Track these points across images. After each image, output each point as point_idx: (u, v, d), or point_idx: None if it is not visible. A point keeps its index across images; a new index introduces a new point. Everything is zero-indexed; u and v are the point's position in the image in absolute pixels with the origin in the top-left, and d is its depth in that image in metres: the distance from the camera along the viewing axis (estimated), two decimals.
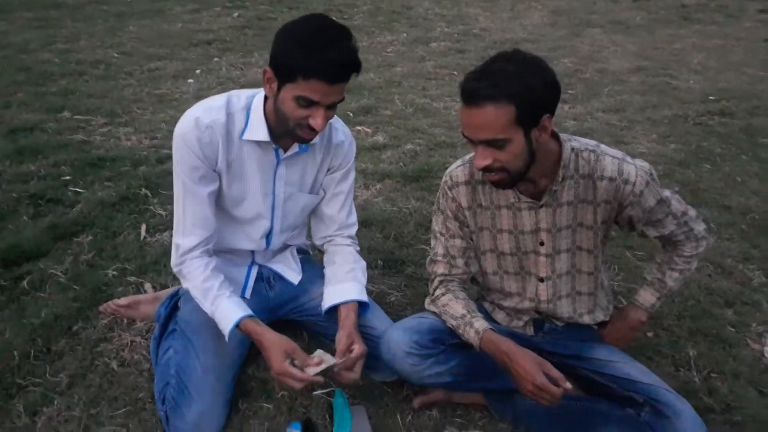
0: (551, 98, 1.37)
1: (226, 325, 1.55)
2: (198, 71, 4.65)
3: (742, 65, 5.42)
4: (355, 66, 1.42)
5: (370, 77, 4.70)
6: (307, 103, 1.42)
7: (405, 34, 5.94)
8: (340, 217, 1.82)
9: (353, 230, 1.86)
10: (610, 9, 7.41)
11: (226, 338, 1.57)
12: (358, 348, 1.59)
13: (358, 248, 1.85)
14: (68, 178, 2.94)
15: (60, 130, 3.51)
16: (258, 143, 1.60)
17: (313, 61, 1.36)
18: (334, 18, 1.46)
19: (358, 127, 3.80)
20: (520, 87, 1.30)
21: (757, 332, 2.09)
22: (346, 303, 1.70)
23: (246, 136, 1.59)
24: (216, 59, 4.93)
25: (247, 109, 1.59)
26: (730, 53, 5.80)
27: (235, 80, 4.51)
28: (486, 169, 1.41)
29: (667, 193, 1.55)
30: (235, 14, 6.17)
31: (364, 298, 1.74)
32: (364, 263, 1.83)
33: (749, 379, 1.87)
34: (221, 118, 1.56)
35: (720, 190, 3.10)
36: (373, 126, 3.84)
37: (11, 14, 5.79)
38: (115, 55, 4.90)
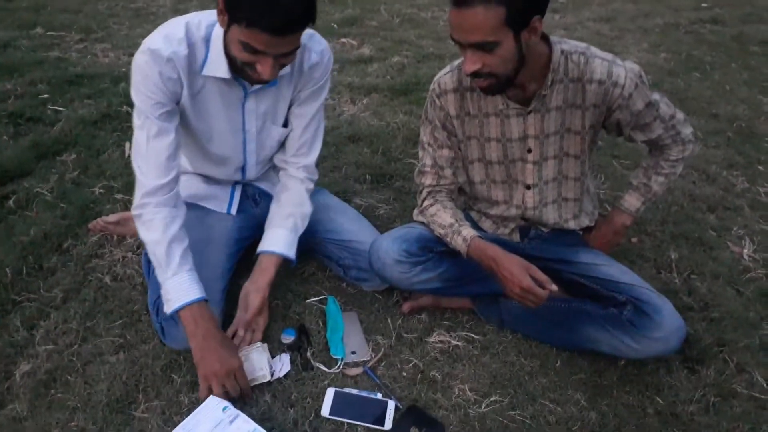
0: None
1: (181, 298, 1.45)
2: None
3: None
4: (305, 17, 1.28)
5: None
6: (253, 51, 1.29)
7: None
8: (298, 141, 1.69)
9: (310, 160, 1.73)
10: None
11: (168, 313, 1.47)
12: (262, 322, 1.62)
13: (312, 185, 1.76)
14: (46, 96, 2.86)
15: (34, 47, 3.39)
16: (222, 78, 1.49)
17: (257, 9, 1.22)
18: None
19: (343, 39, 3.70)
20: None
21: (737, 235, 2.14)
22: (270, 254, 1.66)
23: (206, 72, 1.46)
24: None
25: (208, 40, 1.44)
26: None
27: None
28: (475, 74, 1.38)
29: (656, 96, 1.53)
30: None
31: (291, 254, 1.67)
32: (308, 208, 1.74)
33: (728, 279, 1.94)
34: (182, 51, 1.41)
35: (708, 99, 3.09)
36: (358, 38, 3.74)
37: None
38: None
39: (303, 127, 1.68)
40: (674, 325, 1.49)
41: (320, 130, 1.74)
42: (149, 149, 1.47)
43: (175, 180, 1.52)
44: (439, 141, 1.64)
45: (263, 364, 1.53)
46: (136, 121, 1.47)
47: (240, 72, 1.42)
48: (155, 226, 1.48)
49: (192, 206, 1.72)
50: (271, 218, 1.72)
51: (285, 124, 1.69)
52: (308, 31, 1.52)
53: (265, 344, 1.61)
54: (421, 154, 1.70)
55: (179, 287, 1.46)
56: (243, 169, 1.74)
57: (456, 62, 1.57)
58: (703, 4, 4.44)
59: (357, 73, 3.30)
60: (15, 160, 2.35)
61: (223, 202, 1.81)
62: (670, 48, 3.69)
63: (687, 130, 1.62)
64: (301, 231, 1.71)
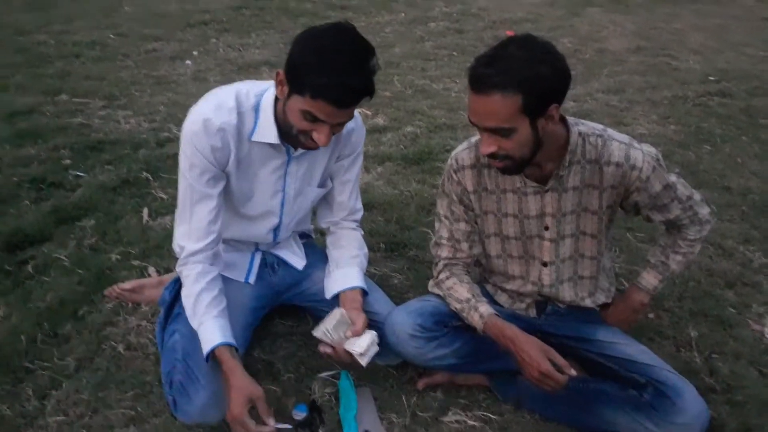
0: (560, 87, 1.35)
1: (205, 347, 1.50)
2: (195, 52, 4.61)
3: (742, 45, 5.40)
4: (366, 92, 1.37)
5: None
6: (313, 119, 1.38)
7: (403, 14, 5.90)
8: (348, 203, 1.80)
9: (359, 215, 1.85)
10: None
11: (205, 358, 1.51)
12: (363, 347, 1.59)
13: (362, 233, 1.85)
14: (68, 161, 2.93)
15: (58, 113, 3.49)
16: (268, 144, 1.57)
17: (325, 82, 1.30)
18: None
19: (358, 109, 3.78)
20: (529, 75, 1.28)
21: (757, 313, 2.11)
22: (352, 289, 1.69)
23: (255, 138, 1.54)
24: (213, 40, 4.89)
25: (257, 109, 1.54)
26: (729, 33, 5.77)
27: (232, 61, 4.48)
28: (491, 156, 1.41)
29: (672, 177, 1.55)
30: None
31: (365, 286, 1.72)
32: (367, 250, 1.83)
33: (750, 359, 1.90)
34: (233, 120, 1.50)
35: (720, 172, 3.11)
36: (372, 108, 3.83)
37: None
38: (111, 36, 4.85)
39: (349, 192, 1.78)
40: (697, 410, 1.46)
41: (359, 191, 1.84)
42: (193, 215, 1.55)
43: (216, 241, 1.60)
44: (456, 214, 1.66)
45: (367, 345, 1.55)
46: (181, 184, 1.56)
47: (290, 138, 1.50)
48: (188, 281, 1.56)
49: None
50: (337, 261, 1.77)
51: (320, 185, 1.76)
52: None
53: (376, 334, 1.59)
54: (437, 226, 1.72)
55: (204, 336, 1.51)
56: (276, 229, 1.77)
57: (474, 138, 1.60)
58: (710, 77, 4.54)
59: (371, 142, 3.37)
60: (35, 225, 2.39)
61: (241, 271, 1.82)
62: (679, 120, 3.76)
63: (704, 210, 1.63)
64: (365, 269, 1.77)
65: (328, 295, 1.73)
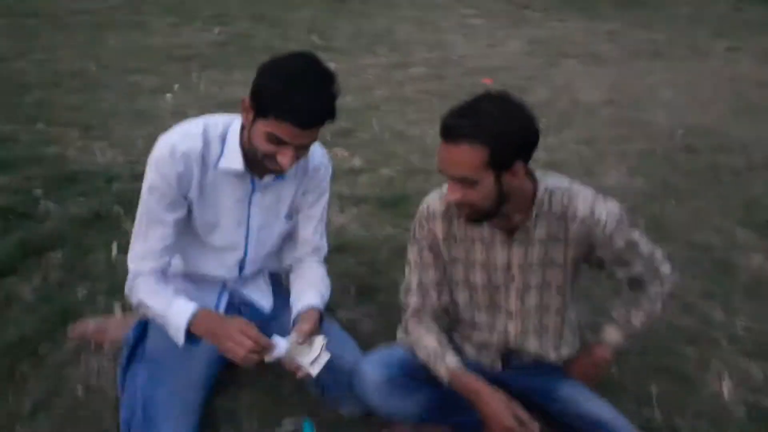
0: (527, 146, 1.41)
1: (179, 323, 1.53)
2: (176, 87, 4.63)
3: (709, 102, 5.60)
4: (328, 114, 1.43)
5: (348, 100, 4.73)
6: (277, 141, 1.43)
7: (385, 58, 6.02)
8: (312, 239, 1.82)
9: (323, 253, 1.86)
10: (586, 41, 7.60)
11: (181, 341, 1.54)
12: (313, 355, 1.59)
13: (326, 269, 1.85)
14: (40, 191, 2.90)
15: (33, 142, 3.47)
16: (233, 172, 1.61)
17: (287, 104, 1.38)
18: (319, 55, 1.48)
19: (336, 150, 3.83)
20: (499, 131, 1.34)
21: (717, 371, 2.15)
22: (307, 309, 1.68)
23: (221, 165, 1.59)
24: (195, 75, 4.93)
25: (224, 138, 1.59)
26: (698, 90, 5.99)
27: (213, 97, 4.51)
28: (456, 204, 1.46)
29: (636, 234, 1.60)
30: (216, 30, 6.18)
31: (320, 306, 1.71)
32: (329, 282, 1.82)
33: (710, 417, 1.93)
34: (198, 146, 1.56)
35: (684, 226, 3.20)
36: (350, 149, 3.88)
37: None
38: (93, 67, 4.86)
39: (313, 228, 1.81)
40: None
41: (325, 230, 1.87)
42: (147, 237, 1.59)
43: (166, 266, 1.64)
44: (426, 262, 1.68)
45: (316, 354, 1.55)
46: (140, 207, 1.60)
47: (255, 165, 1.55)
48: (145, 284, 1.59)
49: None
50: (297, 291, 1.76)
51: (286, 217, 1.77)
52: None
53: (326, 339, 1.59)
54: (407, 273, 1.74)
55: (177, 314, 1.54)
56: (242, 262, 1.77)
57: (444, 187, 1.64)
58: (679, 131, 4.69)
59: (347, 183, 3.40)
60: (2, 256, 2.34)
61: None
62: (648, 173, 3.87)
63: (666, 268, 1.67)
64: (326, 298, 1.76)
65: (292, 320, 1.71)
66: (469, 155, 1.36)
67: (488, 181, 1.39)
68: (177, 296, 1.58)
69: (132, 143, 3.55)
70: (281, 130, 1.41)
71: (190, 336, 1.55)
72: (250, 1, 7.56)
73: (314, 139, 1.49)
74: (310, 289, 1.74)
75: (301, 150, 1.49)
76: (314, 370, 1.54)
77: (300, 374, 1.57)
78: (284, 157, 1.45)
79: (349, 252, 2.71)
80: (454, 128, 1.37)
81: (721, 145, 4.51)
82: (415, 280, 1.70)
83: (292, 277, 1.83)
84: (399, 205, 3.20)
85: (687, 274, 2.75)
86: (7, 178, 3.00)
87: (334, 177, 3.39)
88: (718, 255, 2.94)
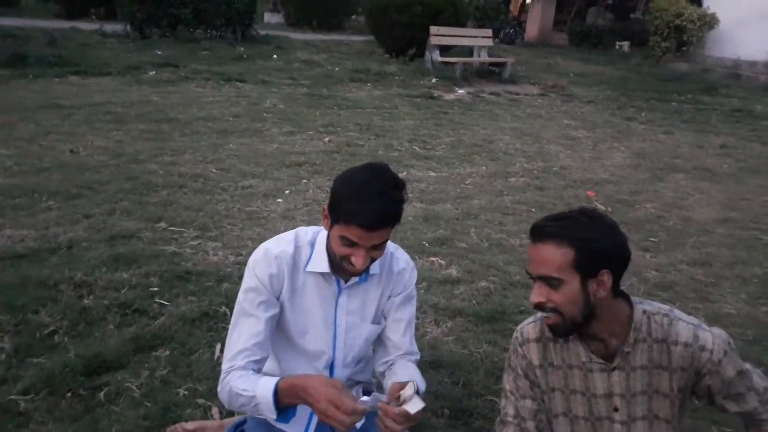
0: (615, 258, 1.43)
1: (267, 395, 1.51)
2: (287, 191, 4.92)
3: None
4: (393, 218, 1.55)
5: (447, 208, 4.81)
6: (349, 243, 1.55)
7: (485, 167, 6.11)
8: (402, 343, 1.83)
9: (415, 357, 1.86)
10: (695, 154, 7.37)
11: (274, 416, 1.53)
12: (409, 389, 1.53)
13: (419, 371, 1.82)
14: (156, 289, 3.10)
15: (155, 240, 3.75)
16: (320, 274, 1.71)
17: (354, 209, 1.51)
18: (392, 167, 1.60)
19: (432, 258, 3.85)
20: (586, 236, 1.39)
21: None
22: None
23: (309, 268, 1.71)
24: (305, 181, 5.22)
25: (312, 243, 1.73)
26: None
27: (320, 202, 4.73)
28: (539, 307, 1.45)
29: (747, 366, 1.50)
30: (326, 139, 6.58)
31: (423, 387, 1.69)
32: (424, 381, 1.77)
33: None
34: (289, 250, 1.70)
35: None
36: (447, 258, 3.88)
37: (127, 125, 6.42)
38: (214, 170, 5.28)
39: (402, 331, 1.83)
40: None
41: (414, 336, 1.88)
42: (240, 336, 1.65)
43: (260, 363, 1.66)
44: (522, 390, 1.63)
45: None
46: (235, 310, 1.69)
47: (338, 268, 1.65)
48: (234, 379, 1.59)
49: (267, 426, 1.73)
50: (392, 377, 1.74)
51: (374, 322, 1.81)
52: (395, 245, 1.82)
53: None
54: (503, 402, 1.68)
55: (264, 388, 1.53)
56: (332, 365, 1.80)
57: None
58: None
59: (443, 294, 3.38)
60: (115, 351, 2.50)
61: (301, 422, 1.80)
62: None
63: None
64: (422, 389, 1.70)
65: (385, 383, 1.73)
66: (555, 254, 1.40)
67: (573, 283, 1.40)
68: (264, 375, 1.61)
69: (243, 244, 3.75)
70: (350, 232, 1.53)
71: (284, 410, 1.55)
72: (358, 113, 8.06)
73: (384, 241, 1.59)
74: (404, 373, 1.73)
75: (373, 251, 1.58)
76: (410, 408, 1.48)
77: (394, 412, 1.49)
78: (358, 258, 1.56)
79: (443, 369, 2.65)
80: (543, 228, 1.43)
81: None
82: (512, 410, 1.64)
83: (385, 379, 1.82)
84: (497, 320, 3.12)
85: None
86: (129, 273, 3.24)
87: (430, 287, 3.43)
88: None
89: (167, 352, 2.56)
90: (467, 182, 5.62)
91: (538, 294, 1.45)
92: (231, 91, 8.72)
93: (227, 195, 4.72)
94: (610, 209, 5.07)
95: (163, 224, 4.01)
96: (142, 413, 2.16)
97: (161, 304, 2.96)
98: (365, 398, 1.49)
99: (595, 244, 1.40)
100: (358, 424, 1.64)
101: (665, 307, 1.53)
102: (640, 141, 7.88)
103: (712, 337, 1.45)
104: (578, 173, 6.17)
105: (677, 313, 1.52)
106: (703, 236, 4.66)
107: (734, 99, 11.28)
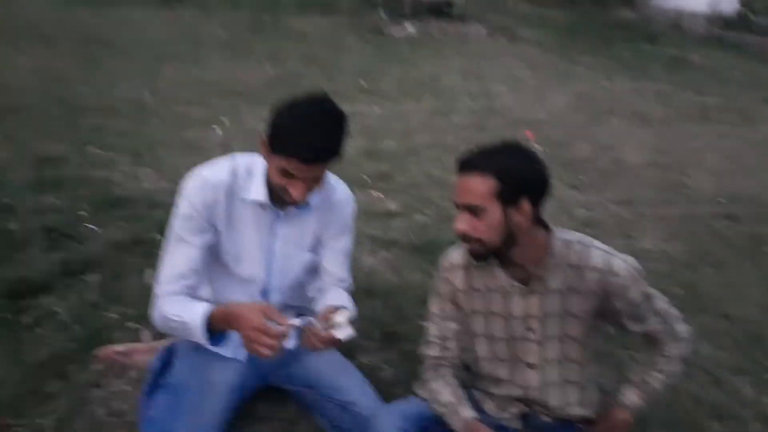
0: (535, 186, 1.50)
1: (199, 321, 1.53)
2: (226, 121, 4.79)
3: (755, 170, 5.48)
4: (333, 152, 1.53)
5: (390, 144, 4.82)
6: (288, 175, 1.53)
7: (429, 105, 6.11)
8: (335, 272, 1.85)
9: (347, 285, 1.89)
10: (631, 100, 7.58)
11: (205, 342, 1.55)
12: (341, 316, 1.56)
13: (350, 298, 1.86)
14: (85, 214, 3.01)
15: (84, 164, 3.62)
16: (258, 203, 1.69)
17: (293, 141, 1.48)
18: (335, 99, 1.57)
19: (373, 192, 3.88)
20: (507, 166, 1.46)
21: None
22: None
23: (246, 196, 1.68)
24: (244, 111, 5.09)
25: (250, 171, 1.70)
26: (743, 156, 5.88)
27: (259, 133, 4.63)
28: (463, 236, 1.52)
29: (652, 290, 1.62)
30: (269, 69, 6.39)
31: (353, 314, 1.70)
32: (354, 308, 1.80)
33: None
34: (225, 178, 1.66)
35: (720, 297, 3.11)
36: (387, 192, 3.92)
37: (57, 46, 6.05)
38: (148, 96, 5.08)
39: (337, 261, 1.85)
40: None
41: (349, 261, 1.90)
42: (172, 261, 1.65)
43: (193, 288, 1.66)
44: (446, 313, 1.72)
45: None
46: (169, 234, 1.67)
47: (276, 197, 1.65)
48: (166, 305, 1.61)
49: (198, 349, 1.76)
50: (323, 302, 1.76)
51: (310, 251, 1.82)
52: (335, 176, 1.81)
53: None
54: (429, 324, 1.77)
55: (195, 314, 1.54)
56: (266, 292, 1.81)
57: None
58: (720, 200, 4.59)
59: (381, 226, 3.43)
60: (41, 275, 2.44)
61: (233, 346, 1.83)
62: (686, 240, 3.79)
63: (682, 327, 1.67)
64: (353, 317, 1.72)
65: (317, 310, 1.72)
66: (478, 184, 1.46)
67: (495, 212, 1.47)
68: (196, 300, 1.61)
69: (178, 172, 3.62)
70: (289, 164, 1.51)
71: (216, 335, 1.58)
72: (303, 43, 7.82)
73: (323, 173, 1.58)
74: (337, 299, 1.76)
75: (312, 183, 1.58)
76: (340, 335, 1.52)
77: (322, 335, 1.54)
78: (296, 190, 1.55)
79: (376, 296, 2.72)
80: (468, 160, 1.51)
81: (764, 215, 4.39)
82: (436, 332, 1.73)
83: (316, 304, 1.84)
84: (431, 251, 3.19)
85: (719, 346, 2.67)
86: (56, 197, 3.13)
87: (369, 220, 3.47)
88: (753, 329, 2.85)
89: (97, 277, 2.52)
90: (411, 119, 5.63)
91: (462, 223, 1.51)
92: (169, 14, 8.28)
93: (162, 122, 4.57)
94: (547, 150, 5.20)
95: (93, 149, 3.87)
96: (69, 336, 2.14)
97: (91, 229, 2.89)
98: (297, 319, 1.53)
99: (515, 174, 1.46)
100: (292, 345, 1.69)
101: (582, 236, 1.62)
102: (582, 85, 8.03)
103: (623, 263, 1.55)
104: (519, 113, 6.26)
105: (593, 241, 1.60)
106: (631, 177, 4.87)
107: (673, 48, 11.55)
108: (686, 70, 10.02)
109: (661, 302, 1.63)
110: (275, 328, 1.44)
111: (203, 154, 3.96)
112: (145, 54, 6.24)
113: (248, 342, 1.45)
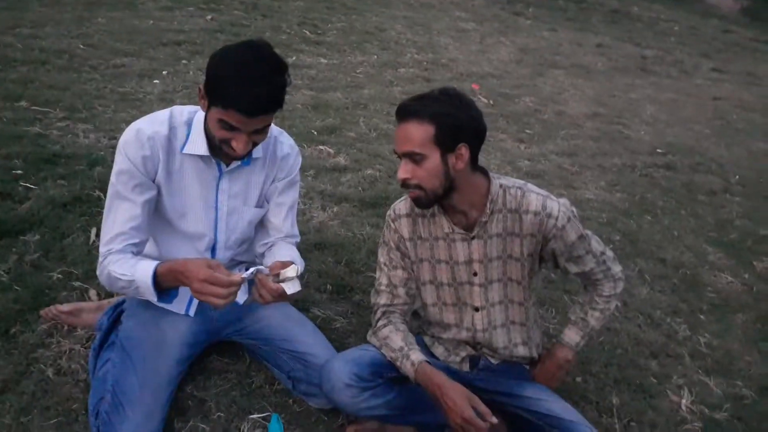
0: (472, 132, 1.54)
1: (147, 279, 1.50)
2: (165, 72, 4.60)
3: (691, 121, 5.71)
4: (275, 104, 1.48)
5: (337, 97, 4.75)
6: (229, 127, 1.48)
7: (375, 57, 6.03)
8: (283, 226, 1.84)
9: (295, 240, 1.88)
10: (574, 52, 7.70)
11: (155, 299, 1.54)
12: (290, 271, 1.55)
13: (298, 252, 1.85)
14: (20, 172, 2.87)
15: (15, 120, 3.42)
16: (199, 157, 1.65)
17: (234, 93, 1.42)
18: (275, 46, 1.52)
19: (321, 147, 3.84)
20: (444, 112, 1.50)
21: (677, 384, 2.22)
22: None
23: (186, 150, 1.64)
24: (184, 62, 4.90)
25: (189, 123, 1.64)
26: (680, 108, 6.11)
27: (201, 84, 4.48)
28: (405, 183, 1.57)
29: (587, 231, 1.70)
30: (209, 17, 6.13)
31: (302, 268, 1.70)
32: (303, 262, 1.81)
33: (665, 429, 1.99)
34: (163, 131, 1.61)
35: (657, 243, 3.27)
36: (335, 147, 3.89)
37: None
38: (81, 46, 4.80)
39: (284, 216, 1.84)
40: None
41: (296, 220, 1.89)
42: (115, 220, 1.59)
43: (139, 246, 1.62)
44: (394, 261, 1.76)
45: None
46: (108, 192, 1.61)
47: (217, 151, 1.59)
48: (112, 263, 1.55)
49: (147, 306, 1.74)
50: (271, 256, 1.76)
51: (257, 206, 1.80)
52: (279, 129, 1.78)
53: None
54: (378, 274, 1.81)
55: (143, 272, 1.51)
56: (213, 247, 1.79)
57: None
58: (658, 150, 4.78)
59: (330, 181, 3.42)
60: None
61: (182, 302, 1.82)
62: (625, 189, 3.95)
63: (617, 268, 1.77)
64: (301, 271, 1.72)
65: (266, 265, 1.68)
66: (416, 130, 1.50)
67: (434, 157, 1.52)
68: (142, 259, 1.58)
69: (116, 127, 3.52)
70: (229, 116, 1.45)
71: (165, 292, 1.56)
72: None
73: (266, 125, 1.53)
74: (286, 254, 1.75)
75: (255, 136, 1.53)
76: (288, 289, 1.52)
77: (271, 286, 1.52)
78: (238, 143, 1.50)
79: (327, 250, 2.74)
80: (406, 107, 1.53)
81: (699, 165, 4.61)
82: (385, 280, 1.77)
83: (264, 259, 1.83)
84: (380, 205, 3.22)
85: (656, 289, 2.83)
86: None
87: (318, 175, 3.45)
88: (688, 272, 3.02)
89: (37, 237, 2.42)
90: (358, 71, 5.55)
91: (404, 170, 1.55)
92: None
93: (97, 74, 4.34)
94: (492, 102, 5.26)
95: (24, 103, 3.65)
96: (12, 297, 2.07)
97: (27, 187, 2.76)
98: (246, 272, 1.52)
99: (452, 119, 1.50)
100: (241, 299, 1.68)
101: (520, 182, 1.68)
102: (526, 37, 8.08)
103: (558, 205, 1.63)
104: (465, 66, 6.27)
105: (530, 186, 1.67)
106: (573, 129, 4.99)
107: (615, 0, 11.71)
108: (626, 21, 10.22)
109: (596, 243, 1.72)
110: (224, 277, 1.42)
111: (142, 108, 3.83)
112: (73, 1, 5.87)
113: (198, 295, 1.44)
